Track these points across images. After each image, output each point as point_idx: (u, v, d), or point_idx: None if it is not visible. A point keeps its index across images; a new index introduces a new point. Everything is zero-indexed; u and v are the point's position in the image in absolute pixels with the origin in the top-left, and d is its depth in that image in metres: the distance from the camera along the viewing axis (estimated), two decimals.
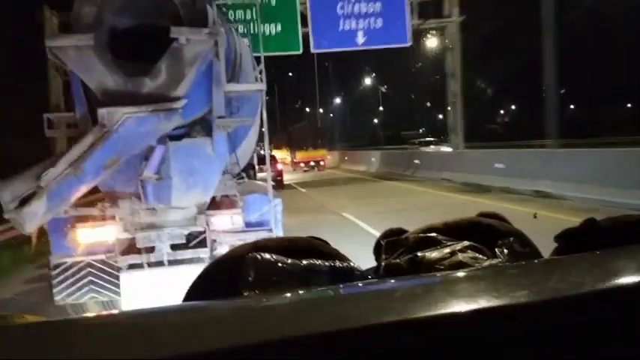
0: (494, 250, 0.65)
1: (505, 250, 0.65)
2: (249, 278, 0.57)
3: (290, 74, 48.64)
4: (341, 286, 0.56)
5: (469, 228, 0.71)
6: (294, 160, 31.36)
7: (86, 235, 4.77)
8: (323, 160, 30.73)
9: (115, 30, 4.48)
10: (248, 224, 5.15)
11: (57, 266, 4.99)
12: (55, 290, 5.07)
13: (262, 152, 9.33)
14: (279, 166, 20.11)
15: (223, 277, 0.61)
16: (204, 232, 4.85)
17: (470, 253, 0.62)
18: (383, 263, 0.64)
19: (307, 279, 0.58)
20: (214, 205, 5.12)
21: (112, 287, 4.97)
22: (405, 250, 0.65)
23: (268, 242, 0.67)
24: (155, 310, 0.49)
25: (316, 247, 0.66)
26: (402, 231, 0.72)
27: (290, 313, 0.46)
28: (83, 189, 4.13)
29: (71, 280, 5.05)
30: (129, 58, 4.41)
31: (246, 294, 0.56)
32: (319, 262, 0.61)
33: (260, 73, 5.36)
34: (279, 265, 0.59)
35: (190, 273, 4.65)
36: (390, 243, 0.67)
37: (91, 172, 4.04)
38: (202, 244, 4.86)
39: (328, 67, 44.44)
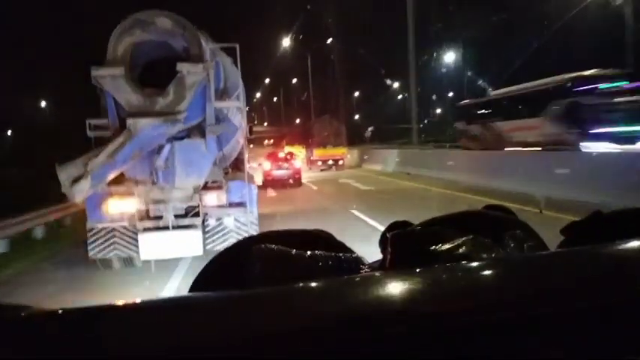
0: (500, 242, 0.66)
1: (511, 243, 0.66)
2: (256, 269, 0.59)
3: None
4: (346, 277, 0.57)
5: (475, 220, 0.73)
6: (311, 158, 29.04)
7: (114, 207, 6.77)
8: (342, 159, 28.71)
9: (139, 63, 6.47)
10: (230, 203, 7.13)
11: (91, 229, 6.96)
12: (89, 248, 7.05)
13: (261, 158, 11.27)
14: (297, 164, 19.70)
15: (230, 268, 0.65)
16: (198, 206, 6.84)
17: (476, 246, 0.62)
18: (389, 256, 0.64)
19: (313, 270, 0.59)
20: (206, 187, 7.10)
21: (132, 246, 6.94)
22: (411, 243, 0.65)
23: (275, 234, 0.69)
24: (164, 300, 0.51)
25: (322, 240, 0.70)
26: (407, 224, 0.73)
27: (296, 304, 0.46)
28: (116, 173, 6.12)
29: (101, 241, 7.02)
30: (148, 84, 6.39)
31: (252, 284, 0.57)
32: (325, 253, 0.63)
33: (238, 97, 7.29)
34: (286, 256, 0.61)
35: (187, 235, 6.68)
36: (396, 236, 0.66)
37: (120, 161, 6.02)
38: (196, 214, 6.86)
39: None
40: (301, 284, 0.50)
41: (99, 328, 0.43)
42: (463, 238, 0.63)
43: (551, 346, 0.39)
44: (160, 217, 6.80)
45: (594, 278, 0.48)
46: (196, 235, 6.78)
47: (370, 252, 0.78)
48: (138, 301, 0.48)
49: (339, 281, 0.55)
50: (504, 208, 0.82)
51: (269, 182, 18.43)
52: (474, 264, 0.56)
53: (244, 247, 0.66)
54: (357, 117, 51.26)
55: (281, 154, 20.29)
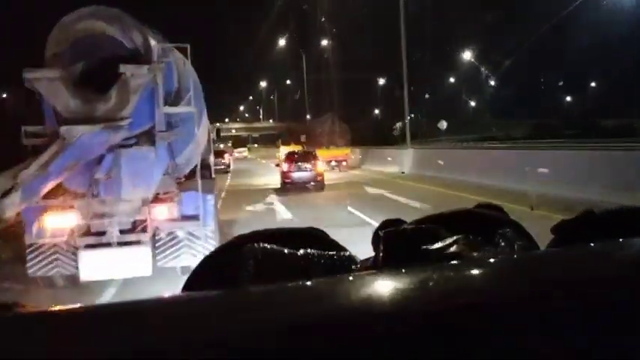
0: (492, 240, 0.65)
1: (502, 241, 0.65)
2: (248, 268, 0.58)
3: None
4: (338, 276, 0.56)
5: (466, 219, 0.72)
6: None
7: (52, 222, 6.17)
8: (345, 160, 27.68)
9: (78, 65, 5.89)
10: (183, 216, 6.59)
11: (30, 246, 6.36)
12: (28, 265, 6.45)
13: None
14: (321, 166, 17.77)
15: (222, 267, 0.63)
16: (146, 220, 6.27)
17: (467, 244, 0.61)
18: (381, 254, 0.63)
19: (306, 269, 0.58)
20: (157, 199, 6.54)
21: (73, 263, 6.35)
22: (403, 241, 0.63)
23: (266, 232, 0.67)
24: (154, 299, 0.49)
25: (315, 237, 0.68)
26: (400, 222, 0.71)
27: (288, 303, 0.45)
28: (49, 185, 5.53)
29: (41, 258, 6.42)
30: (88, 88, 5.82)
31: (244, 284, 0.56)
32: (318, 252, 0.62)
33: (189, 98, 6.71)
34: (278, 254, 0.60)
35: (134, 252, 6.12)
36: (388, 234, 0.65)
37: (54, 173, 5.44)
38: (144, 229, 6.28)
39: None
40: (293, 283, 0.50)
41: (89, 327, 0.43)
42: (454, 237, 0.62)
43: (542, 347, 0.39)
44: (103, 233, 6.22)
45: (584, 278, 0.47)
46: (144, 252, 6.21)
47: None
48: (128, 300, 0.48)
49: (331, 280, 0.55)
50: (496, 207, 0.80)
51: (288, 185, 16.89)
52: (465, 263, 0.56)
53: (236, 245, 0.65)
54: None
55: (301, 154, 18.34)
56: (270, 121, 75.22)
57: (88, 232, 6.27)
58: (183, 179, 7.52)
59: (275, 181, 18.41)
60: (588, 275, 0.47)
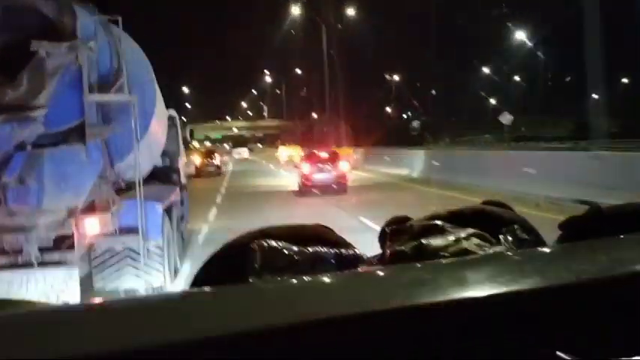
0: (499, 237, 0.65)
1: (509, 238, 0.65)
2: (256, 265, 0.58)
3: None
4: (346, 272, 0.57)
5: (473, 216, 0.71)
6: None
7: None
8: (347, 161, 26.74)
9: None
10: (121, 229, 5.38)
11: None
12: None
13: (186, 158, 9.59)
14: (344, 166, 16.66)
15: (230, 264, 0.62)
16: (72, 235, 5.07)
17: (474, 241, 0.62)
18: (388, 250, 0.64)
19: (313, 266, 0.59)
20: (89, 209, 5.34)
21: None
22: (410, 238, 0.64)
23: (275, 229, 0.67)
24: (163, 295, 0.57)
25: (322, 235, 0.67)
26: (406, 219, 0.72)
27: (296, 300, 0.46)
28: None
29: None
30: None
31: (252, 280, 0.57)
32: (325, 249, 0.62)
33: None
34: (285, 252, 0.60)
35: (57, 275, 4.92)
36: (395, 231, 0.67)
37: None
38: (71, 247, 5.08)
39: None
40: (300, 279, 0.52)
41: (93, 325, 0.43)
42: (462, 233, 0.63)
43: (551, 343, 0.39)
44: (19, 251, 5.03)
45: (592, 274, 0.47)
46: (69, 274, 5.01)
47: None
48: (138, 296, 0.43)
49: (338, 276, 0.55)
50: (503, 204, 0.78)
51: (308, 188, 15.50)
52: (472, 259, 0.57)
53: (244, 242, 0.63)
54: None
55: (323, 155, 16.79)
56: (275, 120, 73.41)
57: (1, 251, 5.08)
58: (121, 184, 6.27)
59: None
60: (594, 271, 0.47)
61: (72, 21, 4.82)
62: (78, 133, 5.15)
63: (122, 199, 5.55)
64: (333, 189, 15.56)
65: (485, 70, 38.65)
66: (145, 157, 6.46)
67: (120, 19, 5.27)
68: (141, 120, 5.72)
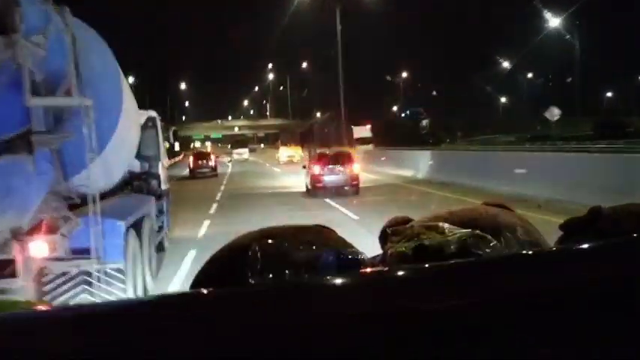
0: (499, 238, 0.64)
1: (510, 239, 0.65)
2: (256, 266, 0.57)
3: None
4: (346, 273, 0.56)
5: (474, 216, 0.70)
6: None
7: None
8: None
9: None
10: (74, 250, 4.70)
11: None
12: None
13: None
14: (356, 168, 15.72)
15: (230, 265, 0.61)
16: (13, 260, 4.39)
17: (475, 242, 0.60)
18: (389, 251, 0.63)
19: (314, 267, 0.58)
20: (37, 228, 4.65)
21: None
22: (411, 239, 0.63)
23: (275, 230, 0.66)
24: (163, 297, 0.50)
25: (323, 235, 0.66)
26: (407, 219, 0.71)
27: (296, 301, 0.44)
28: None
29: None
30: None
31: (253, 282, 0.56)
32: (325, 249, 0.61)
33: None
34: (286, 253, 0.59)
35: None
36: (396, 231, 0.66)
37: None
38: (12, 274, 4.41)
39: None
40: (301, 281, 0.53)
41: (92, 327, 0.42)
42: (462, 234, 0.62)
43: (552, 345, 0.39)
44: None
45: (593, 275, 0.46)
46: None
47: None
48: (137, 298, 0.46)
49: (339, 278, 0.54)
50: (503, 205, 0.77)
51: (319, 189, 14.91)
52: (474, 260, 0.57)
53: (244, 243, 0.62)
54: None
55: (333, 155, 16.35)
56: (278, 119, 72.39)
57: None
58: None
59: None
60: (595, 273, 0.47)
61: (11, 11, 4.12)
62: (24, 142, 4.46)
63: (78, 217, 4.85)
64: (344, 191, 14.96)
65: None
66: (112, 164, 5.76)
67: (67, 9, 4.54)
68: (104, 123, 5.01)
